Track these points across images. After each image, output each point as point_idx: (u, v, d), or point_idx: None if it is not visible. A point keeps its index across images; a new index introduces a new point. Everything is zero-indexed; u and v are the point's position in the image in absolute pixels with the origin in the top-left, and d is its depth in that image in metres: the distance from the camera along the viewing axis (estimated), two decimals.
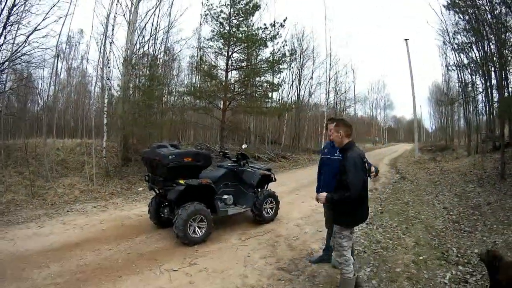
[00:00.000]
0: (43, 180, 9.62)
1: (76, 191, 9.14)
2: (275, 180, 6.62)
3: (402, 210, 7.08)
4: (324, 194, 3.33)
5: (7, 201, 7.99)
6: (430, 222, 6.17)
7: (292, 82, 25.17)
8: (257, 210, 5.98)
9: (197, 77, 16.72)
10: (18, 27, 9.71)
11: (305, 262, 4.41)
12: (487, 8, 11.32)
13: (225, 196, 5.91)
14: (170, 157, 4.85)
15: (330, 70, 28.93)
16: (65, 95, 20.76)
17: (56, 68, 13.10)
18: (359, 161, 3.20)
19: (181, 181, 4.91)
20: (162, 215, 5.69)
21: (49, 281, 3.76)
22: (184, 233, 4.79)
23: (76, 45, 20.90)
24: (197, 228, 4.98)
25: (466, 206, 7.31)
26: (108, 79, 11.65)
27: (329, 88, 29.40)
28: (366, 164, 3.36)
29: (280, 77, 17.44)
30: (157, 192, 5.68)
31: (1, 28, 9.34)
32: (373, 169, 3.50)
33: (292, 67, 23.33)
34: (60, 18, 10.15)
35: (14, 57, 9.86)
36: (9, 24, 9.53)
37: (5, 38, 9.53)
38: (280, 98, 23.11)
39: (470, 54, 14.68)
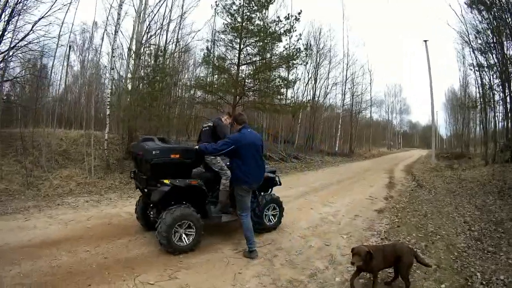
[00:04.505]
0: (42, 170, 9.30)
1: (72, 184, 8.80)
2: (280, 184, 5.96)
3: (421, 224, 6.36)
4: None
5: (0, 190, 7.66)
6: (451, 240, 5.46)
7: (308, 80, 24.84)
8: (257, 217, 5.31)
9: (208, 70, 16.23)
10: (22, 16, 9.73)
11: (306, 284, 3.75)
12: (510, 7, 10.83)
13: None
14: (153, 152, 4.27)
15: (347, 70, 28.82)
16: (77, 86, 20.68)
17: (68, 59, 12.97)
18: None
19: (166, 181, 4.30)
20: (151, 216, 5.16)
21: (17, 280, 3.50)
22: (168, 240, 4.20)
23: (90, 37, 20.74)
24: (184, 235, 4.38)
25: (488, 221, 6.61)
26: (112, 69, 11.34)
27: (345, 88, 29.19)
28: None
29: (294, 73, 16.96)
30: (143, 191, 5.10)
31: (8, 16, 9.34)
32: None
33: (307, 63, 22.82)
34: (64, 5, 10.20)
35: (18, 45, 9.85)
36: (17, 13, 9.55)
37: (7, 24, 9.49)
38: (294, 96, 22.78)
39: (490, 56, 14.55)
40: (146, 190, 4.80)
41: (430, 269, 4.15)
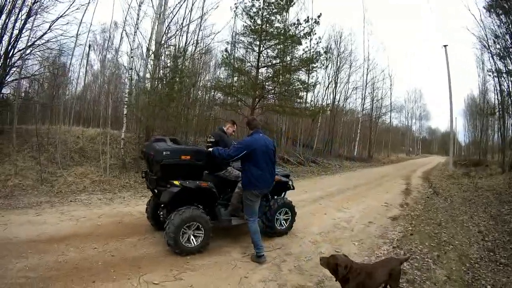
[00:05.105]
0: (57, 167, 9.40)
1: (86, 181, 8.84)
2: (293, 188, 5.86)
3: (435, 233, 6.16)
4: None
5: (14, 184, 7.81)
6: (464, 250, 5.30)
7: (328, 84, 24.60)
8: (268, 221, 5.22)
9: (228, 72, 16.20)
10: (39, 15, 9.96)
11: None
12: None
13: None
14: (164, 153, 4.23)
15: (367, 75, 28.47)
16: (97, 85, 21.01)
17: (87, 58, 13.15)
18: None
19: (176, 182, 4.26)
20: (161, 216, 5.12)
21: (23, 273, 3.55)
22: (175, 241, 4.15)
23: (109, 37, 21.09)
24: (192, 237, 4.32)
25: (502, 232, 6.44)
26: (131, 69, 11.42)
27: (365, 93, 28.90)
28: None
29: (314, 77, 16.76)
30: (153, 191, 5.08)
31: (25, 15, 9.55)
32: None
33: (328, 67, 22.86)
34: (82, 5, 10.48)
35: (36, 43, 10.09)
36: (34, 13, 9.74)
37: (25, 23, 9.69)
38: (314, 100, 22.78)
39: (508, 62, 14.42)
40: (156, 190, 4.80)
41: (440, 281, 4.05)
